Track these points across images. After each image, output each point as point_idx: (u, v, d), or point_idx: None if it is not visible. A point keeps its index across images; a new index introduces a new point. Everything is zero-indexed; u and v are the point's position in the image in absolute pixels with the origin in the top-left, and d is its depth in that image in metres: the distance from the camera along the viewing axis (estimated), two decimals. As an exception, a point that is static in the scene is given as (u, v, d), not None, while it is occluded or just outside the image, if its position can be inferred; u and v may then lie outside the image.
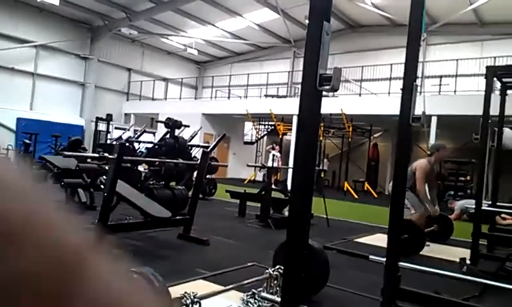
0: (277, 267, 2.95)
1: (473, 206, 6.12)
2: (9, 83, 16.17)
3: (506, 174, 7.67)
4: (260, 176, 17.73)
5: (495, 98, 5.10)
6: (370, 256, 3.22)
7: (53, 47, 17.82)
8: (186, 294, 2.25)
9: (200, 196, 5.99)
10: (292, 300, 1.66)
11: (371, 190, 15.29)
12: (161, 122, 6.86)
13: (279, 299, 1.77)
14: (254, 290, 2.99)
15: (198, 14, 18.10)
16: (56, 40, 17.72)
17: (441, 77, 14.89)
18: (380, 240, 5.96)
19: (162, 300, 1.95)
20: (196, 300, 2.25)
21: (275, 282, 2.90)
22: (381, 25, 17.15)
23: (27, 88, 17.14)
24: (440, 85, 14.81)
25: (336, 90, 1.66)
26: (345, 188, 15.03)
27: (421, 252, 4.91)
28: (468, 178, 15.19)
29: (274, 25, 18.69)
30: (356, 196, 14.09)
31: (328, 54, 1.76)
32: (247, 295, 2.98)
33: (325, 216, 6.75)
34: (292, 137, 16.81)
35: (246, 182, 16.33)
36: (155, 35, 20.19)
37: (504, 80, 5.34)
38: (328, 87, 1.65)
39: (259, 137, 19.43)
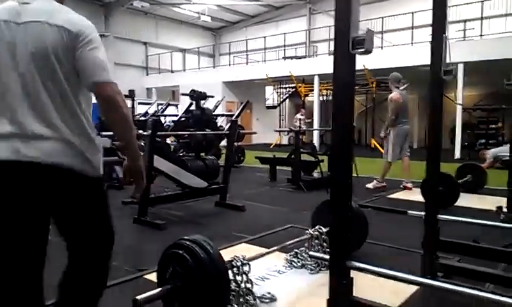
0: (317, 227, 3.06)
1: (507, 154, 6.06)
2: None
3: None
4: (285, 140, 17.81)
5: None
6: (409, 211, 3.28)
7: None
8: (236, 257, 2.38)
9: (230, 164, 6.11)
10: (341, 256, 1.76)
11: (399, 145, 15.14)
12: (186, 95, 6.94)
13: (327, 256, 1.86)
14: (296, 250, 3.13)
15: (209, -22, 17.81)
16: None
17: (465, 21, 14.31)
18: (412, 194, 6.01)
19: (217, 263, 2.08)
20: (245, 261, 2.38)
21: (316, 241, 3.02)
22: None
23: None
24: (465, 30, 14.26)
25: (370, 52, 1.67)
26: (372, 145, 14.92)
27: (456, 204, 4.93)
28: (500, 125, 14.82)
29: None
30: (383, 151, 13.98)
31: (359, 15, 1.75)
32: (290, 255, 3.13)
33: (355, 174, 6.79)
34: (314, 98, 16.67)
35: (272, 147, 16.43)
36: (166, 5, 20.01)
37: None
38: (361, 50, 1.66)
39: (281, 100, 19.32)
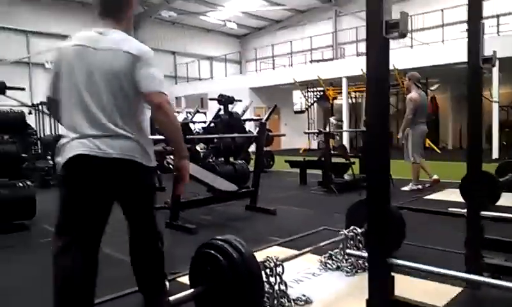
0: (351, 227, 2.95)
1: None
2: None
3: None
4: (314, 144, 17.62)
5: None
6: (450, 209, 3.12)
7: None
8: (269, 258, 2.32)
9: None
10: (380, 253, 1.66)
11: (433, 146, 14.68)
12: (214, 99, 6.97)
13: (366, 254, 1.77)
14: (331, 252, 3.04)
15: (234, -15, 17.97)
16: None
17: (498, 16, 13.78)
18: (450, 195, 5.76)
19: (251, 263, 2.03)
20: (278, 263, 2.31)
21: (351, 242, 2.92)
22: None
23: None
24: (498, 25, 13.73)
25: (405, 35, 1.59)
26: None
27: (497, 203, 4.69)
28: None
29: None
30: (421, 160, 13.58)
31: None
32: (324, 257, 3.03)
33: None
34: (343, 100, 16.44)
35: (301, 151, 16.28)
36: (193, 14, 20.30)
37: None
38: (396, 34, 1.58)
39: (309, 104, 19.16)
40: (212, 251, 2.04)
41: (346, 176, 7.25)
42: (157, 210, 4.87)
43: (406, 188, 6.38)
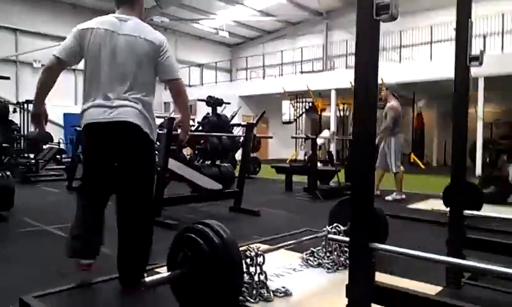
0: (334, 224, 2.93)
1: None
2: (53, 81, 16.86)
3: None
4: (301, 155, 17.64)
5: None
6: (433, 208, 3.12)
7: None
8: (250, 247, 2.28)
9: (245, 173, 6.02)
10: (363, 237, 1.64)
11: (418, 162, 14.83)
12: (203, 100, 6.94)
13: (347, 239, 1.74)
14: (313, 249, 3.01)
15: (227, -6, 18.08)
16: (94, 36, 18.23)
17: (484, 36, 14.09)
18: (433, 204, 5.78)
19: (232, 249, 1.99)
20: (259, 252, 2.27)
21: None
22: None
23: (70, 84, 17.75)
24: (484, 44, 14.03)
25: (395, 19, 1.58)
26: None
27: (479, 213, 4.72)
28: (523, 140, 14.40)
29: (304, -3, 18.33)
30: (402, 168, 13.68)
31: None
32: (306, 254, 3.00)
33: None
34: (331, 112, 16.56)
35: (288, 162, 16.27)
36: (186, 21, 20.33)
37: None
38: (386, 15, 1.57)
39: (297, 115, 19.24)
40: (193, 235, 1.99)
41: (332, 183, 7.25)
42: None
43: (389, 198, 6.40)
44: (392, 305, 1.58)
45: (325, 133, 14.11)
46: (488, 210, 4.85)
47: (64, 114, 16.58)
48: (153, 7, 18.38)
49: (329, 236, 2.41)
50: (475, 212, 2.89)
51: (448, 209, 2.63)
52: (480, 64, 2.47)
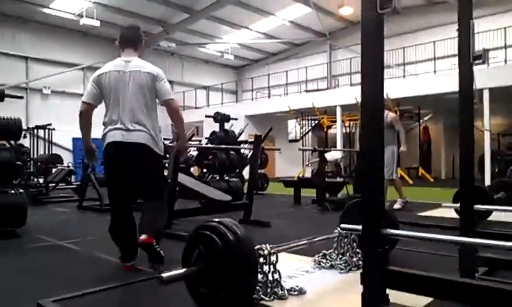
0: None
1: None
2: (61, 105, 17.10)
3: None
4: (308, 173, 17.62)
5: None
6: (443, 204, 3.14)
7: (98, 67, 18.68)
8: (263, 246, 2.30)
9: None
10: (374, 224, 1.66)
11: (426, 175, 14.77)
12: (210, 117, 7.03)
13: (360, 227, 1.77)
14: (325, 251, 3.02)
15: (231, 19, 18.40)
16: (101, 61, 18.58)
17: (488, 50, 14.20)
18: (443, 212, 5.76)
19: (247, 245, 2.02)
20: (273, 251, 2.29)
21: (345, 240, 2.91)
22: (418, 6, 16.64)
23: (78, 109, 18.03)
24: (488, 58, 14.13)
25: (398, 12, 1.65)
26: (399, 175, 14.58)
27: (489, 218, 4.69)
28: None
29: (307, 19, 18.60)
30: (410, 182, 13.65)
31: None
32: (318, 256, 3.01)
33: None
34: (337, 128, 16.61)
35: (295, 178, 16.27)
36: (192, 45, 20.70)
37: None
38: (389, 8, 1.63)
39: (304, 133, 19.31)
40: (208, 232, 2.03)
41: (340, 196, 7.25)
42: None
43: (397, 205, 6.40)
44: (406, 289, 1.59)
45: (336, 154, 13.99)
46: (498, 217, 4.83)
47: (73, 139, 16.79)
48: (160, 33, 18.77)
49: (342, 225, 2.41)
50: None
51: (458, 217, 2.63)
52: (484, 63, 2.51)
